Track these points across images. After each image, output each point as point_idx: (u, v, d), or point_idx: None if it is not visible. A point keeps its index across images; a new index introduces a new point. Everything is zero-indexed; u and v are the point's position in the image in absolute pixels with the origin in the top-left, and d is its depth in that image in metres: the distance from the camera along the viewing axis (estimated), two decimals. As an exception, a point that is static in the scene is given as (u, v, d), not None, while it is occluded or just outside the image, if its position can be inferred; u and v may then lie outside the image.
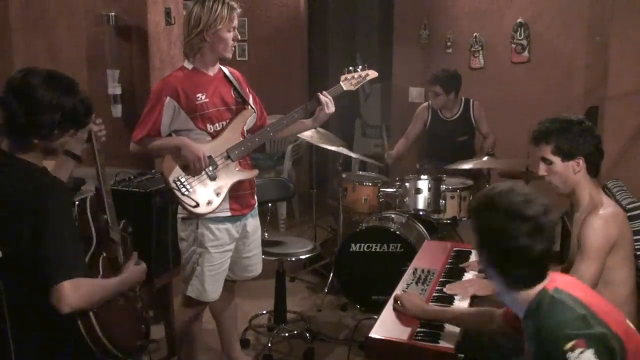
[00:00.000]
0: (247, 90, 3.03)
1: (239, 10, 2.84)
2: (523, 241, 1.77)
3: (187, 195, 2.76)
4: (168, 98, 2.77)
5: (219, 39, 2.80)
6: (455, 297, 2.50)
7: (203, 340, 3.49)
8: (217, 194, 2.80)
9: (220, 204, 2.81)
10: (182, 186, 2.76)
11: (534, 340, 1.79)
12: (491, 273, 1.89)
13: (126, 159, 3.80)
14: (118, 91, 3.97)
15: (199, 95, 2.80)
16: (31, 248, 1.91)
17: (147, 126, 2.79)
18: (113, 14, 3.93)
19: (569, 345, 1.66)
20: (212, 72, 2.90)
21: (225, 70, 2.97)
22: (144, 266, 2.29)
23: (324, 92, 2.99)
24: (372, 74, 3.15)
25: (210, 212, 2.80)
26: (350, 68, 3.12)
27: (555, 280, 1.85)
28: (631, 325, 1.90)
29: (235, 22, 2.83)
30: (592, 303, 1.79)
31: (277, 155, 6.09)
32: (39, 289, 1.97)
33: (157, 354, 3.42)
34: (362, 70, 3.11)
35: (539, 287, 1.83)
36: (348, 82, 3.08)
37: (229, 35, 2.81)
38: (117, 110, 3.97)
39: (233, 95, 2.93)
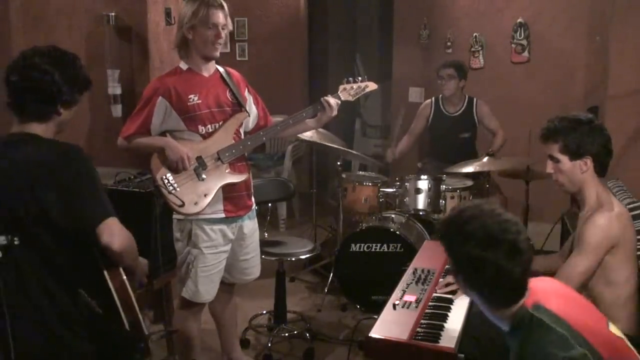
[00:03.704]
0: (246, 92, 3.02)
1: (224, 8, 2.80)
2: (502, 266, 1.74)
3: (173, 194, 2.75)
4: (160, 98, 2.77)
5: (198, 36, 2.78)
6: (456, 294, 2.49)
7: (203, 340, 3.49)
8: (205, 195, 2.79)
9: (209, 205, 2.80)
10: (169, 184, 2.76)
11: (518, 358, 1.78)
12: (470, 294, 1.88)
13: (126, 159, 3.80)
14: (118, 91, 3.97)
15: (192, 96, 2.79)
16: (63, 215, 1.95)
17: (136, 124, 2.79)
18: (113, 14, 3.93)
19: None
20: (206, 72, 2.88)
21: (223, 71, 2.95)
22: (146, 260, 2.32)
23: (329, 97, 2.98)
24: (372, 85, 3.11)
25: (196, 213, 2.79)
26: (350, 78, 3.07)
27: (536, 293, 1.82)
28: (613, 329, 1.88)
29: (217, 20, 2.77)
30: (571, 316, 1.76)
31: (277, 155, 6.09)
32: (55, 276, 2.00)
33: (157, 354, 3.42)
34: (361, 81, 3.07)
35: (519, 304, 1.81)
36: (346, 92, 3.04)
37: (208, 33, 2.77)
38: (117, 110, 3.98)
39: (228, 97, 2.91)
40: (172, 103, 2.77)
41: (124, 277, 2.06)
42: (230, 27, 2.90)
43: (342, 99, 3.02)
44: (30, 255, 2.00)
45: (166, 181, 2.77)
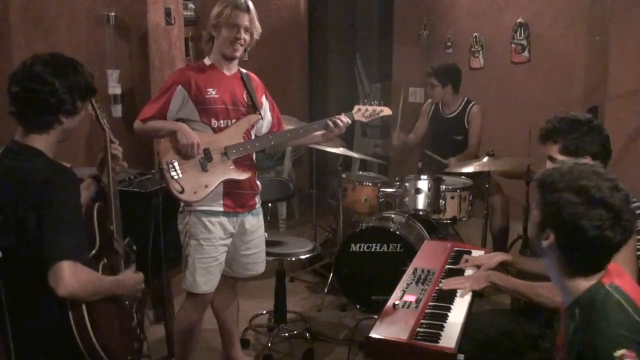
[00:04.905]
0: (263, 98, 3.09)
1: (250, 11, 2.89)
2: (605, 232, 1.63)
3: (175, 180, 2.81)
4: (179, 86, 2.87)
5: (220, 35, 2.90)
6: (457, 294, 2.49)
7: (203, 340, 3.49)
8: (206, 186, 2.84)
9: (208, 197, 2.84)
10: (172, 169, 2.82)
11: (580, 333, 1.67)
12: (549, 253, 1.74)
13: (126, 159, 3.79)
14: (118, 91, 3.97)
15: (210, 89, 2.89)
16: (34, 236, 1.94)
17: (155, 108, 2.89)
18: (113, 14, 3.92)
19: (619, 353, 1.55)
20: (228, 71, 2.98)
21: (244, 73, 3.04)
22: (141, 275, 2.29)
23: (343, 115, 3.07)
24: (387, 111, 3.22)
25: (195, 202, 2.84)
26: (366, 100, 3.20)
27: (612, 275, 1.73)
28: None
29: (238, 21, 2.86)
30: None
31: (277, 155, 6.09)
32: (38, 288, 1.98)
33: (157, 354, 3.42)
34: (377, 105, 3.18)
35: (595, 279, 1.71)
36: (361, 113, 3.15)
37: (229, 33, 2.87)
38: (117, 110, 3.97)
39: (244, 98, 2.99)
40: (190, 93, 2.87)
41: (85, 313, 1.99)
42: (258, 31, 2.96)
43: (355, 118, 3.14)
44: (11, 271, 2.00)
45: (171, 166, 2.82)
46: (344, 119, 3.06)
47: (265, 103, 3.11)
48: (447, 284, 2.56)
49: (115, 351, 2.08)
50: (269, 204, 4.81)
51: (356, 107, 3.16)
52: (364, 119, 3.17)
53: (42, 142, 2.06)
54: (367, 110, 3.15)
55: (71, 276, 1.91)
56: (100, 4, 3.95)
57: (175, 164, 2.83)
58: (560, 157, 2.45)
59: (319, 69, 6.78)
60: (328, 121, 3.05)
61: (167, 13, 4.05)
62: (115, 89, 3.96)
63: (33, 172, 2.00)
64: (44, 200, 1.94)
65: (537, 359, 2.47)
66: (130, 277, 2.24)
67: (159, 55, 4.01)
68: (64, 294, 1.91)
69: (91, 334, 1.99)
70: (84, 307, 1.99)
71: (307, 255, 3.81)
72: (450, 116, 4.75)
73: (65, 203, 1.98)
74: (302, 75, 6.42)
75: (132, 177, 3.31)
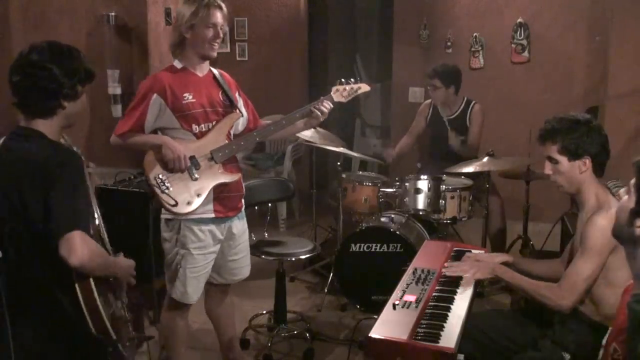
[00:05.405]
0: (237, 95, 3.02)
1: (222, 9, 2.82)
2: None
3: (166, 194, 2.74)
4: (155, 95, 2.76)
5: (196, 35, 2.79)
6: (457, 294, 2.49)
7: (202, 341, 3.49)
8: (198, 195, 2.78)
9: (200, 205, 2.79)
10: (162, 184, 2.75)
11: None
12: None
13: (126, 159, 3.80)
14: (118, 91, 3.98)
15: (186, 94, 2.79)
16: (40, 213, 1.95)
17: (131, 121, 2.78)
18: (113, 14, 3.93)
19: None
20: (200, 72, 2.89)
21: (216, 72, 2.96)
22: (133, 262, 2.28)
23: (322, 100, 2.99)
24: (364, 87, 3.11)
25: (189, 213, 2.78)
26: (343, 80, 3.09)
27: None
28: None
29: (215, 20, 2.79)
30: None
31: (277, 155, 6.09)
32: (38, 283, 2.00)
33: (156, 354, 3.41)
34: (354, 82, 3.08)
35: None
36: (339, 93, 3.04)
37: (207, 32, 2.78)
38: (117, 110, 3.98)
39: (221, 98, 2.91)
40: (166, 101, 2.77)
41: (92, 285, 2.01)
42: (226, 29, 2.89)
43: (335, 100, 3.03)
44: (12, 257, 2.01)
45: (159, 180, 2.75)
46: (325, 104, 2.97)
47: (239, 100, 3.03)
48: (451, 270, 2.56)
49: (119, 332, 2.11)
50: (269, 204, 4.81)
51: (334, 89, 3.05)
52: (343, 99, 3.05)
53: (45, 126, 2.09)
54: (344, 89, 3.04)
55: (83, 245, 1.94)
56: (100, 4, 3.96)
57: (164, 177, 2.75)
58: (560, 157, 2.45)
59: (319, 69, 6.78)
60: (310, 107, 2.97)
61: (167, 13, 4.06)
62: (115, 88, 3.97)
63: (37, 151, 2.02)
64: (51, 176, 1.96)
65: (537, 359, 2.47)
66: (124, 260, 2.25)
67: (159, 55, 4.02)
68: (76, 262, 1.93)
69: (99, 305, 2.01)
70: (90, 279, 2.00)
71: (307, 255, 3.80)
72: (450, 117, 4.73)
73: (72, 179, 2.00)
74: (302, 75, 6.42)
75: (132, 177, 3.31)
